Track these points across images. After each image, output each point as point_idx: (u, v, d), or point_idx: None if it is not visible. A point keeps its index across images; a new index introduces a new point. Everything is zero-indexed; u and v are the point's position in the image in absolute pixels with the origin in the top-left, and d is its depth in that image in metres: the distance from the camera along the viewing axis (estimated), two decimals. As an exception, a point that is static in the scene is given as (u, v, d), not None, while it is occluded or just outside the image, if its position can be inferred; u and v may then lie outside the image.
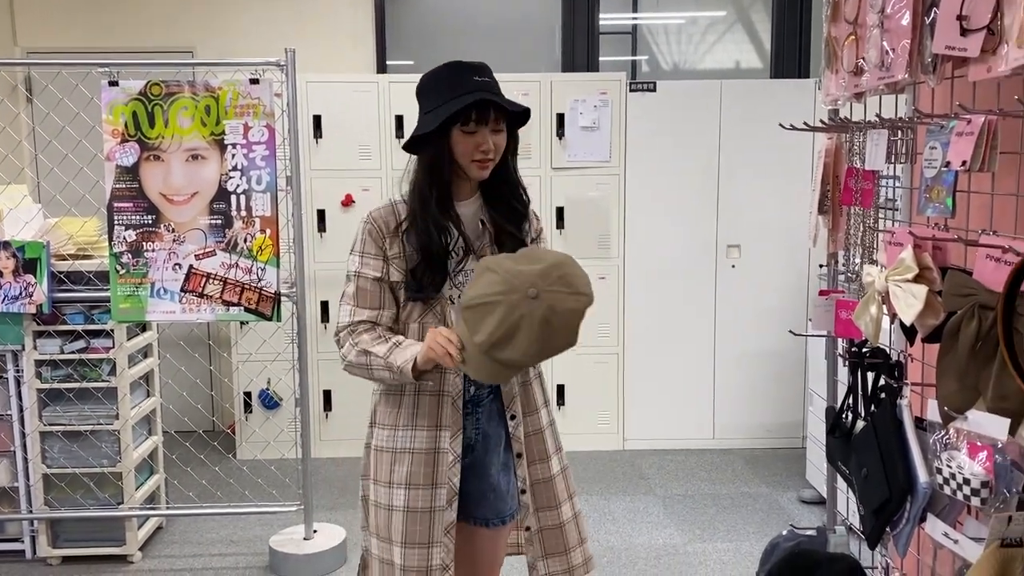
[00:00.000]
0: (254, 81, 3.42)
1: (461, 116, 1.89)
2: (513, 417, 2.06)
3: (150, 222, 3.45)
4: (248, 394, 4.80)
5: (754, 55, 5.64)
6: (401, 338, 1.96)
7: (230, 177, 3.44)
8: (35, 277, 3.48)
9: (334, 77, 4.79)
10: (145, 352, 3.90)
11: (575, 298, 1.75)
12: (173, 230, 3.45)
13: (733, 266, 4.88)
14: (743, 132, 4.78)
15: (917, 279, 1.53)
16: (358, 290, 1.99)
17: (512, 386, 2.06)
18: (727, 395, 4.96)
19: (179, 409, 4.14)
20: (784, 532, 2.09)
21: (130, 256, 3.43)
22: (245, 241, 3.46)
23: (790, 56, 5.43)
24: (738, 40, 5.66)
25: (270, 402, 4.78)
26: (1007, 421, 1.30)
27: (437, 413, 2.00)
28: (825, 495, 4.00)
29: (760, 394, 4.96)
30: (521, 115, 2.01)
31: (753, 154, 4.78)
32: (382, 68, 5.29)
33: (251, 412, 4.81)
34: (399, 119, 4.72)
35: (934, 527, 1.48)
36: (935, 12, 1.45)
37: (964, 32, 1.38)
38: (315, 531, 3.70)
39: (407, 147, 2.00)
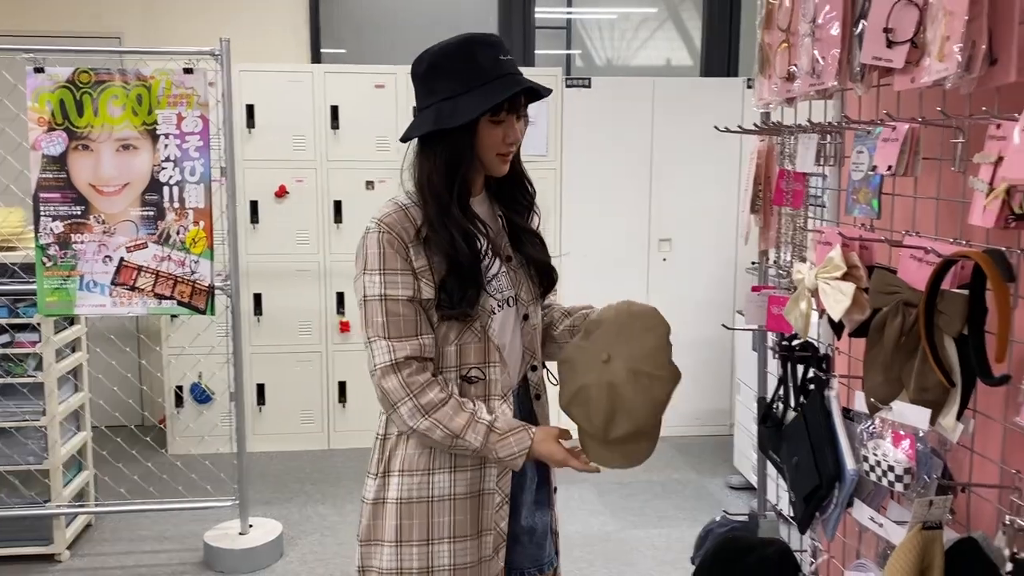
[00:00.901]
0: (188, 70, 3.37)
1: (504, 106, 1.64)
2: None
3: (79, 213, 3.36)
4: (179, 388, 4.72)
5: (684, 52, 5.75)
6: (484, 412, 1.66)
7: (163, 168, 3.37)
8: (-44, 270, 3.36)
9: (268, 66, 4.73)
10: (73, 346, 3.81)
11: (645, 327, 1.67)
12: (103, 221, 3.37)
13: (664, 259, 4.99)
14: (675, 129, 4.89)
15: (845, 277, 1.60)
16: (389, 317, 1.63)
17: (545, 408, 1.86)
18: (659, 385, 5.07)
19: (109, 404, 4.05)
20: (717, 518, 2.17)
21: (57, 248, 3.34)
22: (178, 233, 3.40)
23: (720, 55, 5.56)
24: (669, 37, 5.78)
25: (202, 396, 4.71)
26: (928, 411, 1.39)
27: None
28: (752, 481, 4.15)
29: (689, 383, 4.99)
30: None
31: (684, 150, 4.90)
32: (316, 58, 5.24)
33: (182, 407, 4.73)
34: (334, 109, 4.69)
35: (860, 512, 1.57)
36: (863, 24, 1.53)
37: (890, 44, 1.45)
38: (251, 526, 3.67)
39: (408, 139, 1.72)
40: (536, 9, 5.46)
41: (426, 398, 1.63)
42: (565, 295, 1.98)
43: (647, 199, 4.95)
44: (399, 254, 1.64)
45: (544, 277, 1.82)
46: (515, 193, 1.81)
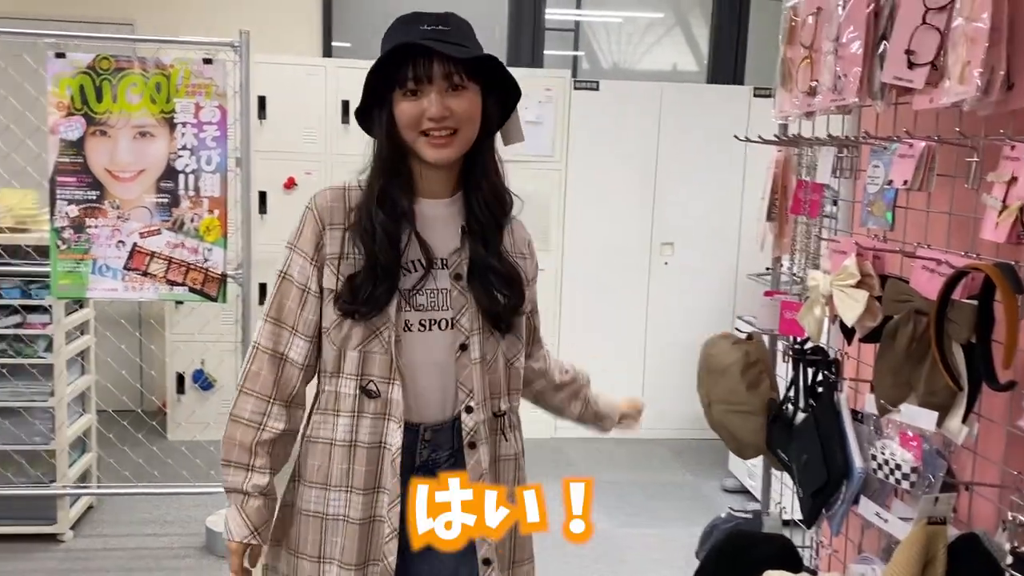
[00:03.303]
0: (207, 61, 3.41)
1: (392, 75, 1.45)
2: None
3: (94, 198, 3.40)
4: (181, 375, 4.76)
5: (691, 58, 5.83)
6: (261, 480, 1.57)
7: (179, 156, 3.42)
8: (-28, 250, 3.40)
9: (281, 59, 4.77)
10: (82, 329, 3.85)
11: (716, 370, 2.14)
12: (118, 207, 3.42)
13: (666, 263, 5.07)
14: (680, 134, 4.97)
15: (859, 285, 1.68)
16: (277, 296, 1.57)
17: (478, 457, 1.57)
18: (656, 386, 5.15)
19: (114, 387, 4.09)
20: (722, 515, 2.25)
21: (72, 231, 3.38)
22: (192, 221, 3.45)
23: (726, 62, 5.63)
24: (676, 43, 5.85)
25: (205, 383, 4.75)
26: (935, 414, 1.47)
27: (376, 472, 1.54)
28: (746, 484, 4.22)
29: (687, 386, 5.06)
30: (504, 80, 1.53)
31: (689, 156, 4.97)
32: (328, 51, 5.29)
33: (184, 393, 4.77)
34: (345, 104, 4.74)
35: (867, 508, 1.64)
36: (885, 44, 1.60)
37: (911, 65, 1.53)
38: (253, 511, 3.71)
39: (362, 125, 1.58)
40: (546, 10, 5.52)
41: (243, 404, 1.59)
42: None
43: (651, 202, 5.02)
44: (314, 237, 1.53)
45: (490, 321, 1.58)
46: (481, 203, 1.56)
